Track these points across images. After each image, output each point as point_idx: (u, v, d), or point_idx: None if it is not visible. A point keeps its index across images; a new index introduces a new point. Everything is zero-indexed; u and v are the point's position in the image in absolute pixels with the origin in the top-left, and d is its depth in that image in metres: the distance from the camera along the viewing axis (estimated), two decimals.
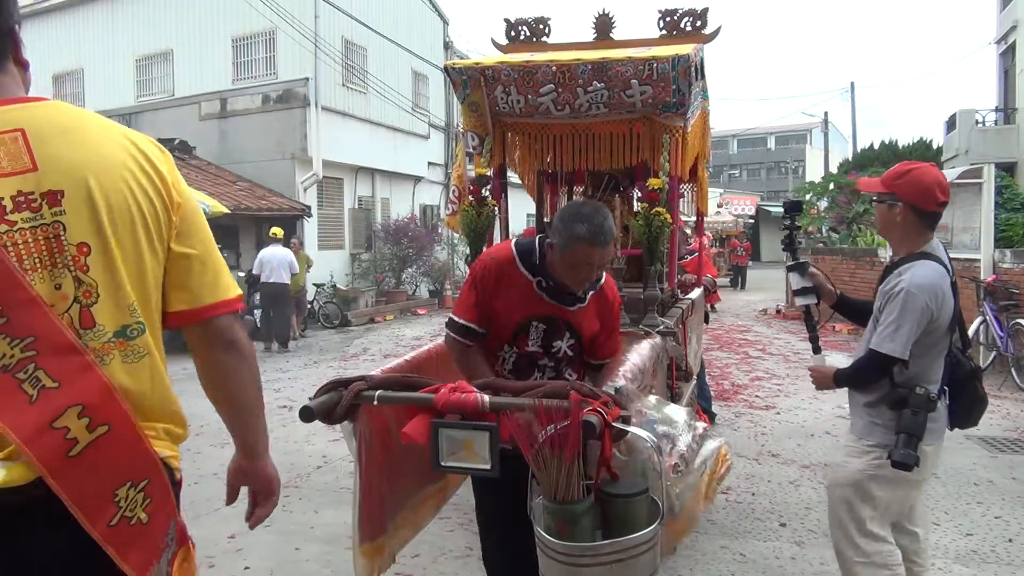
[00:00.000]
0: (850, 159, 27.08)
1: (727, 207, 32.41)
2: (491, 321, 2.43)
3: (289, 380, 8.70)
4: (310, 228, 14.85)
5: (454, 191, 4.14)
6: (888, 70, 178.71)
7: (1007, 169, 16.76)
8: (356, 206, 16.82)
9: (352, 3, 15.64)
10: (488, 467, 1.90)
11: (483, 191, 3.68)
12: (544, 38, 4.02)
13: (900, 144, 24.65)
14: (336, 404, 2.03)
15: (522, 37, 4.05)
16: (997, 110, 19.93)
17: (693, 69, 3.38)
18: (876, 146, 25.53)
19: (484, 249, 3.78)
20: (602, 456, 1.83)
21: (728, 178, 55.08)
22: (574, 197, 4.82)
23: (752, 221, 34.81)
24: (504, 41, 4.10)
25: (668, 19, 3.89)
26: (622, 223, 4.03)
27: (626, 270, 3.85)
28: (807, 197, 20.76)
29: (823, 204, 19.91)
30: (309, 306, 13.96)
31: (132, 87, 17.00)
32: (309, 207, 14.42)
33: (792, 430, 6.15)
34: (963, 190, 10.05)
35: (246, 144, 14.95)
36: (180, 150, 14.37)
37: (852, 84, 29.15)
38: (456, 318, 2.44)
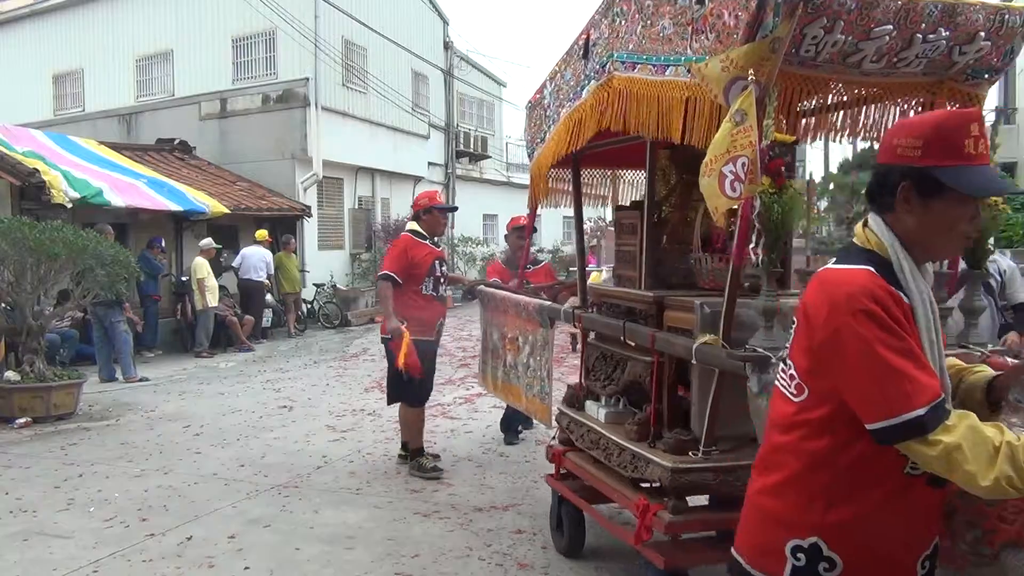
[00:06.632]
0: (850, 159, 27.05)
1: None
2: None
3: (289, 380, 8.66)
4: (310, 228, 14.85)
5: (744, 163, 2.52)
6: None
7: (1007, 169, 16.77)
8: (356, 206, 16.82)
9: (352, 3, 15.64)
10: None
11: (782, 166, 2.57)
12: None
13: None
14: None
15: None
16: (997, 110, 19.95)
17: None
18: (876, 146, 25.50)
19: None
20: None
21: None
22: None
23: None
24: None
25: None
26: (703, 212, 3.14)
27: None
28: None
29: (823, 204, 19.91)
30: (308, 305, 13.99)
31: (132, 87, 17.00)
32: (309, 207, 14.42)
33: None
34: None
35: (246, 144, 14.94)
36: (180, 150, 14.37)
37: None
38: None
